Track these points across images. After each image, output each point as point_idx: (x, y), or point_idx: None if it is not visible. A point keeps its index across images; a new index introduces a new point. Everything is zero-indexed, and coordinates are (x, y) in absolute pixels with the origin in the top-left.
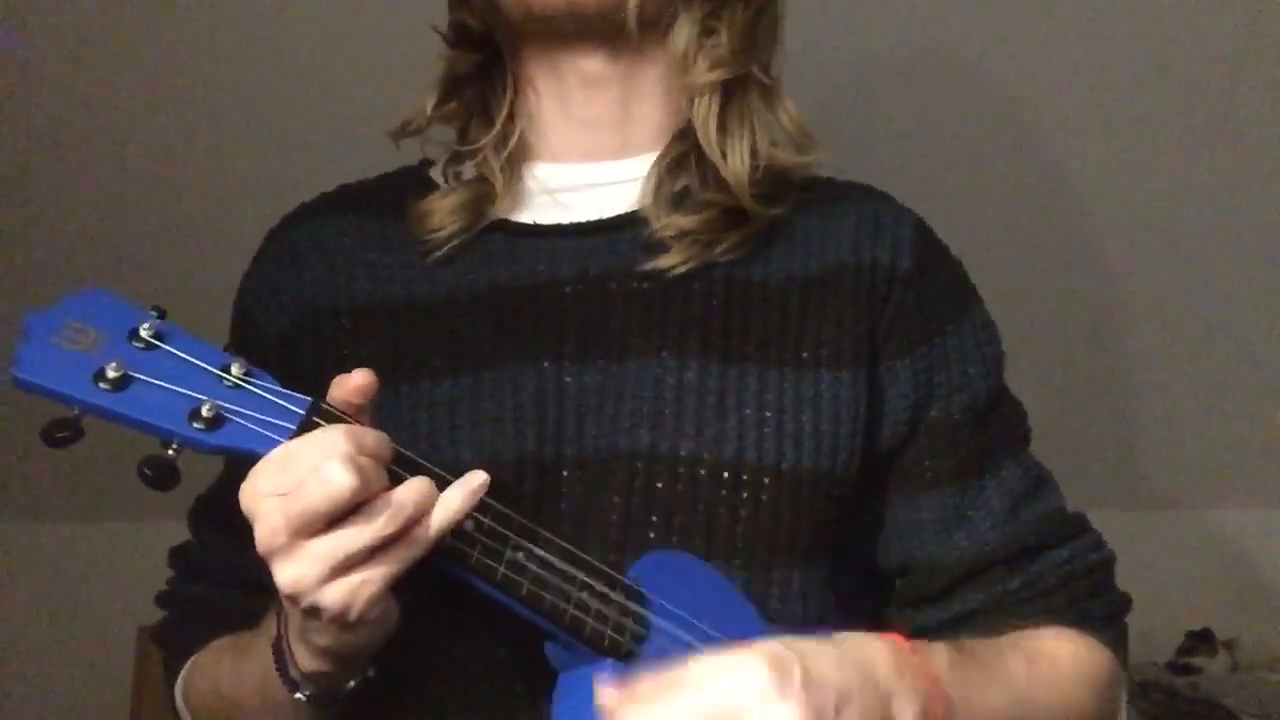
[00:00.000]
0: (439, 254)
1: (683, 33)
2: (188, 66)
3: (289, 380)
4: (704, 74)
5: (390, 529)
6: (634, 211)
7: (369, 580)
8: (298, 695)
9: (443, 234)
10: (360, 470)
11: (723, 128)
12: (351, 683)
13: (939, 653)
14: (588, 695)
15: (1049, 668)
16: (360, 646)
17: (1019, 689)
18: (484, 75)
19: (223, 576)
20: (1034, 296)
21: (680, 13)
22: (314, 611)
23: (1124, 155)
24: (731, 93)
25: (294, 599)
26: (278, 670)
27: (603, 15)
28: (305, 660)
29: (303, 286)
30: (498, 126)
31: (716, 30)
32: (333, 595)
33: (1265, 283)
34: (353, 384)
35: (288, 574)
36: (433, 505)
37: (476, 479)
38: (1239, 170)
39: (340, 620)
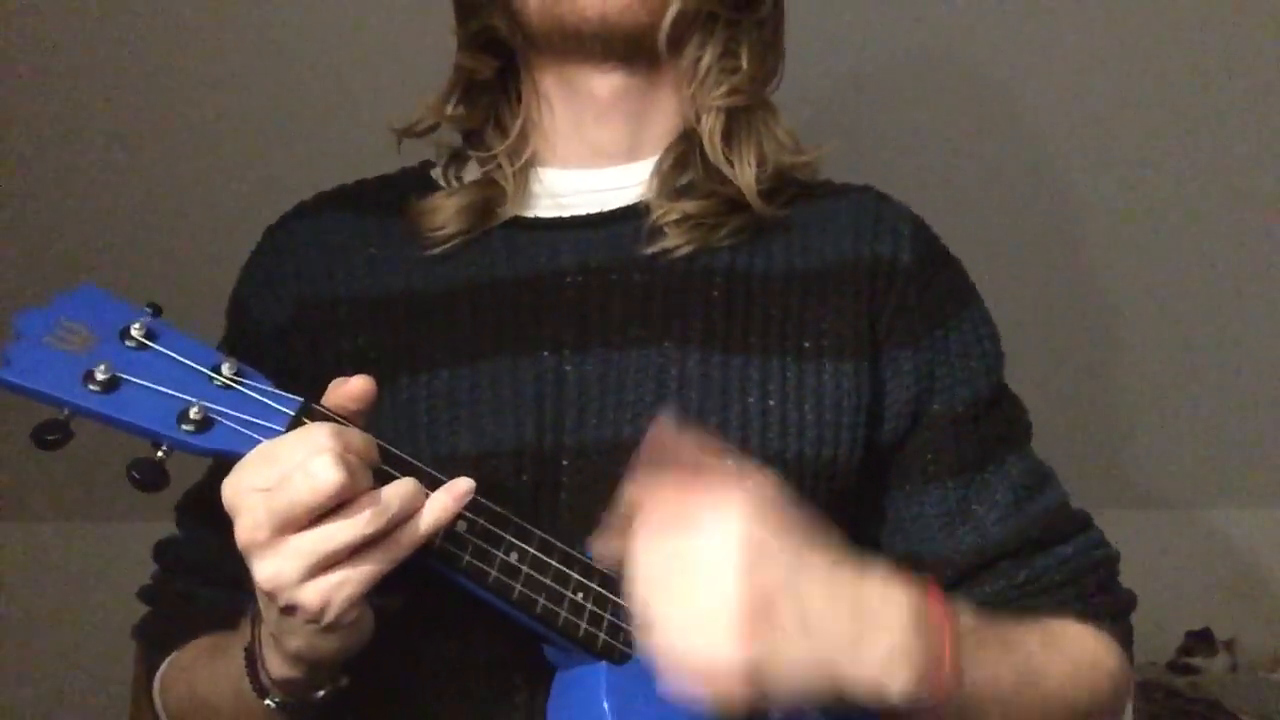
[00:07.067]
0: (439, 250)
1: (703, 54)
2: (188, 64)
3: (285, 374)
4: (720, 98)
5: (373, 528)
6: (635, 205)
7: (348, 580)
8: (267, 701)
9: (446, 232)
10: (347, 467)
11: (728, 140)
12: (321, 692)
13: (963, 617)
14: (584, 693)
15: (1062, 648)
16: (332, 653)
17: (1031, 664)
18: (499, 83)
19: (208, 574)
20: (1032, 296)
21: (699, 34)
22: (290, 610)
23: (1121, 155)
24: (738, 109)
25: (272, 595)
26: (249, 675)
27: (635, 35)
28: (276, 666)
29: (300, 280)
30: (512, 137)
31: (734, 53)
32: (311, 594)
33: (1265, 282)
34: (350, 390)
35: (267, 570)
36: (419, 507)
37: (461, 485)
38: (1238, 170)
39: (316, 620)
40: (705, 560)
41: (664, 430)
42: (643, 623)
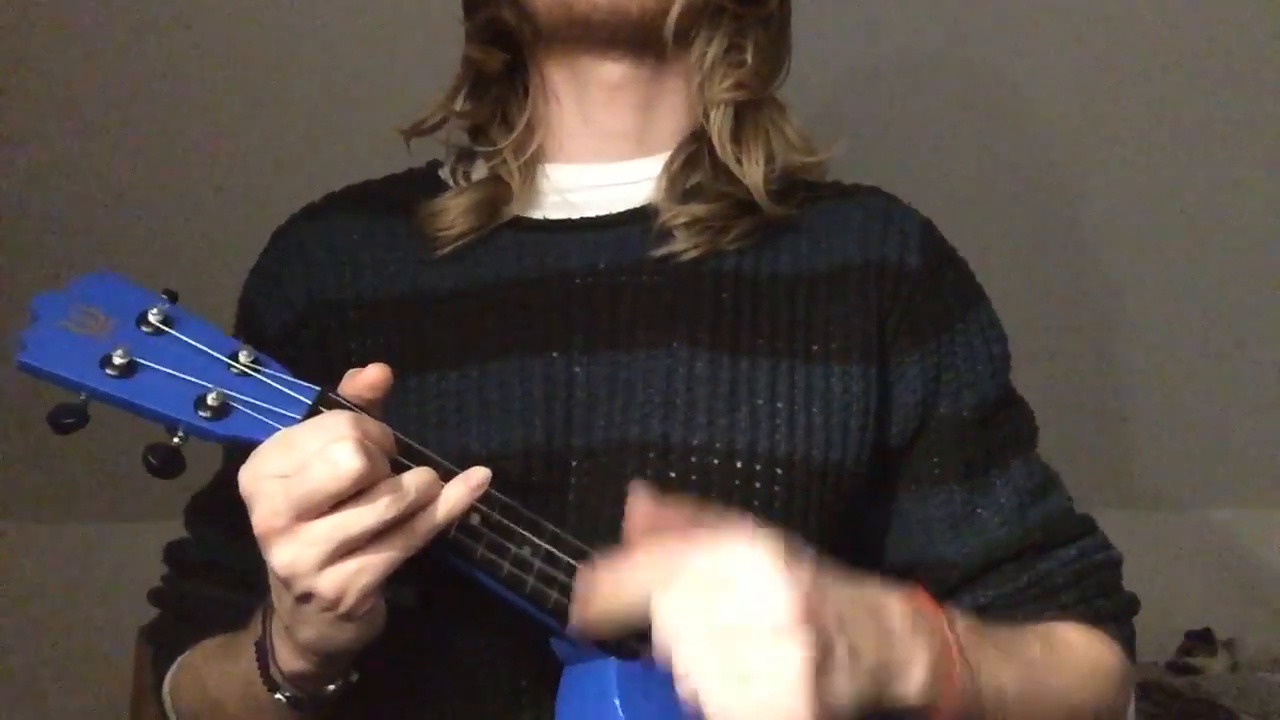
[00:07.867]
0: (447, 250)
1: (709, 47)
2: (201, 61)
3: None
4: (726, 91)
5: (392, 513)
6: (644, 206)
7: (365, 568)
8: (278, 696)
9: (454, 232)
10: (366, 454)
11: (737, 138)
12: (332, 686)
13: (959, 621)
14: (592, 689)
15: (1065, 654)
16: (345, 644)
17: (1034, 671)
18: (506, 77)
19: (218, 575)
20: (1036, 297)
21: (705, 27)
22: (306, 598)
23: (1125, 157)
24: (746, 105)
25: (288, 583)
26: (259, 669)
27: (644, 24)
28: (287, 659)
29: (309, 281)
30: (517, 131)
31: (740, 47)
32: (328, 581)
33: (1265, 283)
34: (366, 379)
35: (284, 556)
36: (435, 496)
37: (477, 475)
38: (1239, 172)
39: (332, 608)
40: (756, 623)
41: (642, 504)
42: (690, 687)
